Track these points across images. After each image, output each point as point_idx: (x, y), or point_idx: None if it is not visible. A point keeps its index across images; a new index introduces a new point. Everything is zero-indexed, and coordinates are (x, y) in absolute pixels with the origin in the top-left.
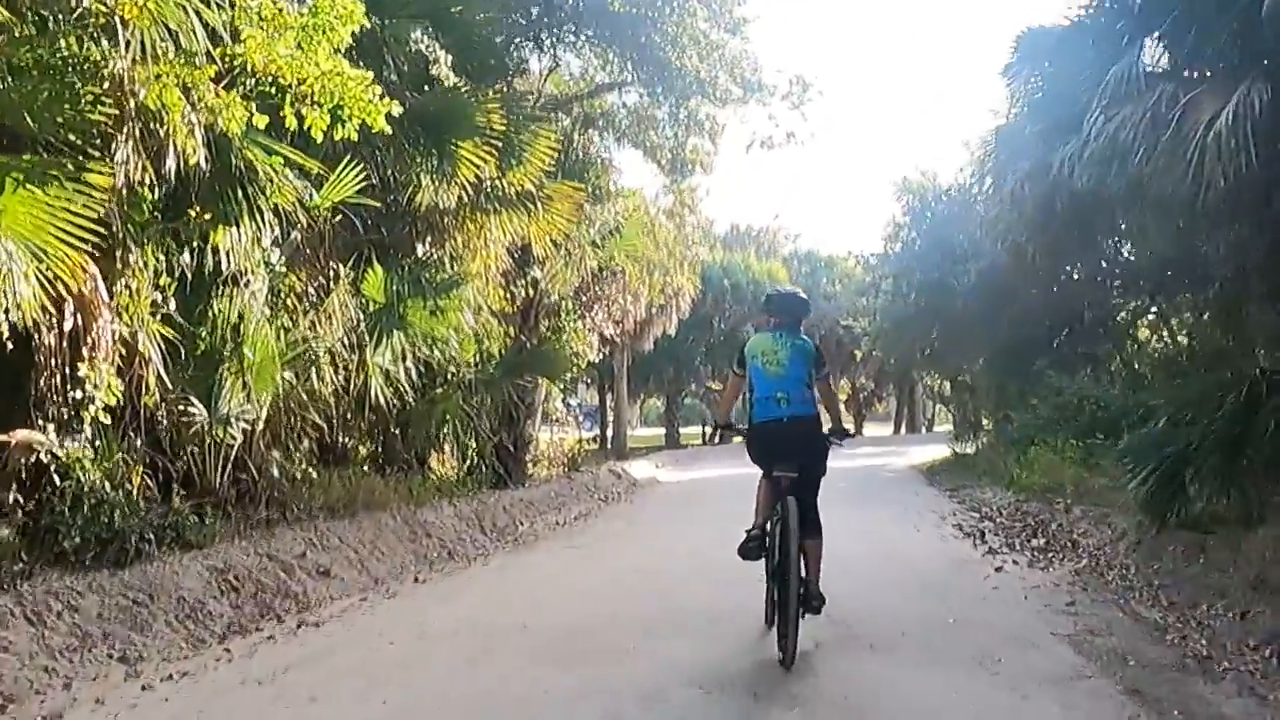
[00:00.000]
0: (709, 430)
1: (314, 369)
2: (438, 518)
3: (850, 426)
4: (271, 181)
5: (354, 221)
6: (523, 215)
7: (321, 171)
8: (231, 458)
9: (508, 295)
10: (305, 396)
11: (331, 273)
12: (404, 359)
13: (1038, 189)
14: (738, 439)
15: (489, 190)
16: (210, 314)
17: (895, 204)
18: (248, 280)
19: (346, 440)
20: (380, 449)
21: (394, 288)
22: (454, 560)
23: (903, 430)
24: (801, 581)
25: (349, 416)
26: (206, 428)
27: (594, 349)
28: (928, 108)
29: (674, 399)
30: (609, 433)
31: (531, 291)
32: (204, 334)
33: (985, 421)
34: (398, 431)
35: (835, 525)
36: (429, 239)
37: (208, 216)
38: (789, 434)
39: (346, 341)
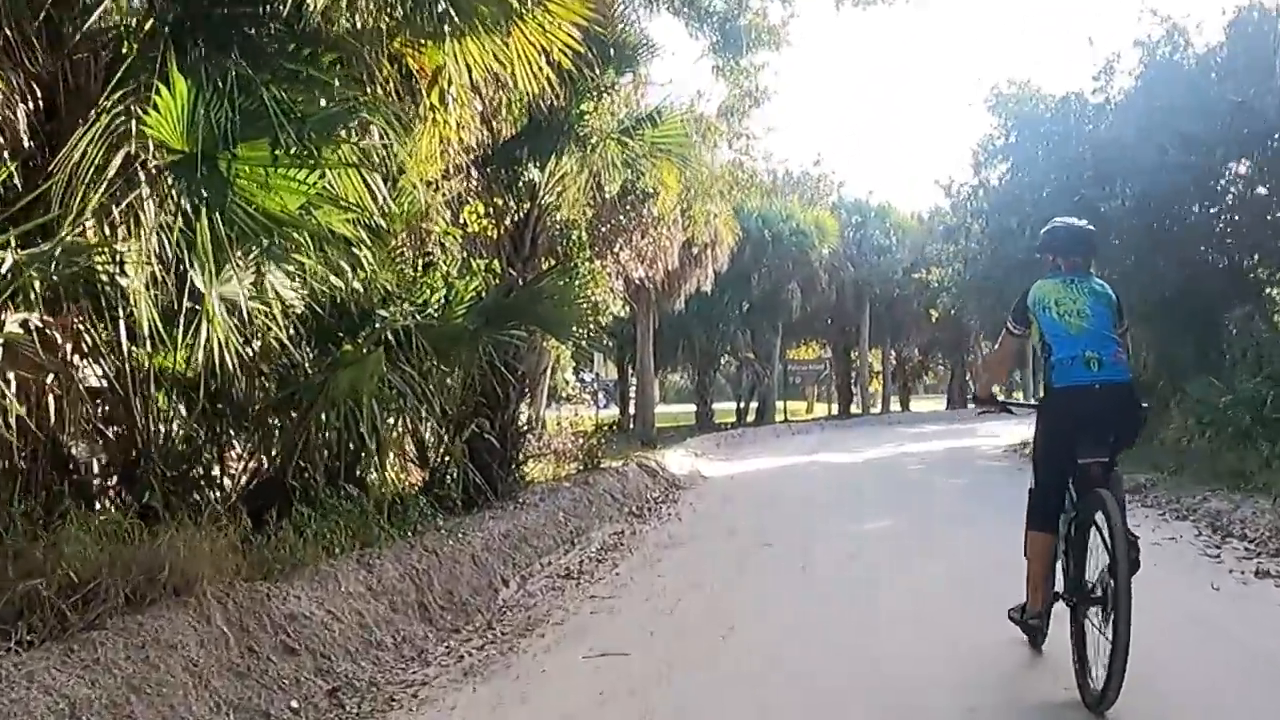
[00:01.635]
0: (816, 407)
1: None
2: (320, 600)
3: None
4: None
5: None
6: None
7: None
8: None
9: (490, 210)
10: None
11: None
12: (263, 285)
13: None
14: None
15: None
16: None
17: (990, 121)
18: None
19: (155, 447)
20: (260, 460)
21: (213, 119)
22: None
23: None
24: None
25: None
26: None
27: (617, 298)
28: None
29: (706, 371)
30: (631, 411)
31: (527, 205)
32: None
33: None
34: (278, 426)
35: None
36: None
37: None
38: (1103, 405)
39: (145, 255)
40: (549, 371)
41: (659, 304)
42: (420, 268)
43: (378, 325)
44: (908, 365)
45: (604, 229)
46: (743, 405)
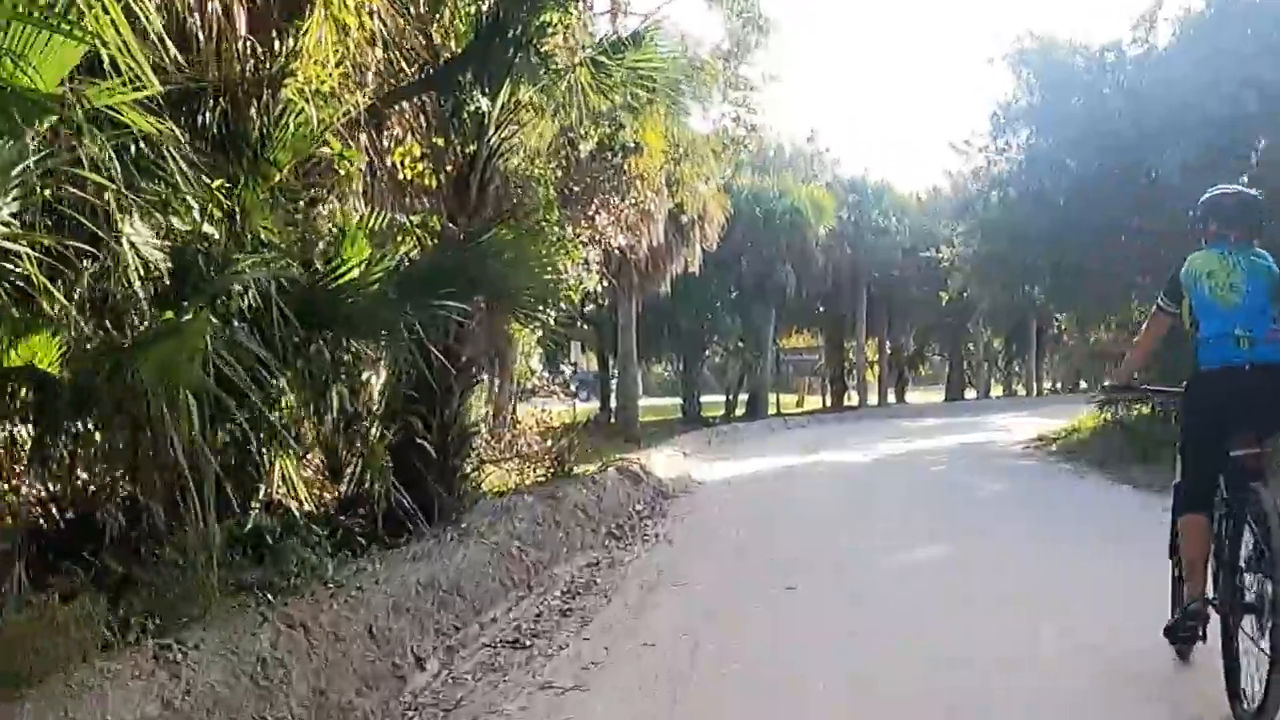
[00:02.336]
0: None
1: None
2: None
3: None
4: None
5: None
6: None
7: None
8: None
9: (427, 152)
10: None
11: None
12: None
13: None
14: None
15: None
16: None
17: (1010, 81)
18: None
19: None
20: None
21: None
22: None
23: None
24: None
25: None
26: None
27: (594, 273)
28: None
29: (693, 360)
30: (613, 404)
31: (474, 145)
32: None
33: None
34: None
35: None
36: None
37: None
38: (1256, 387)
39: None
40: (510, 357)
41: (643, 286)
42: (305, 206)
43: (219, 284)
44: (903, 355)
45: (577, 188)
46: (732, 398)
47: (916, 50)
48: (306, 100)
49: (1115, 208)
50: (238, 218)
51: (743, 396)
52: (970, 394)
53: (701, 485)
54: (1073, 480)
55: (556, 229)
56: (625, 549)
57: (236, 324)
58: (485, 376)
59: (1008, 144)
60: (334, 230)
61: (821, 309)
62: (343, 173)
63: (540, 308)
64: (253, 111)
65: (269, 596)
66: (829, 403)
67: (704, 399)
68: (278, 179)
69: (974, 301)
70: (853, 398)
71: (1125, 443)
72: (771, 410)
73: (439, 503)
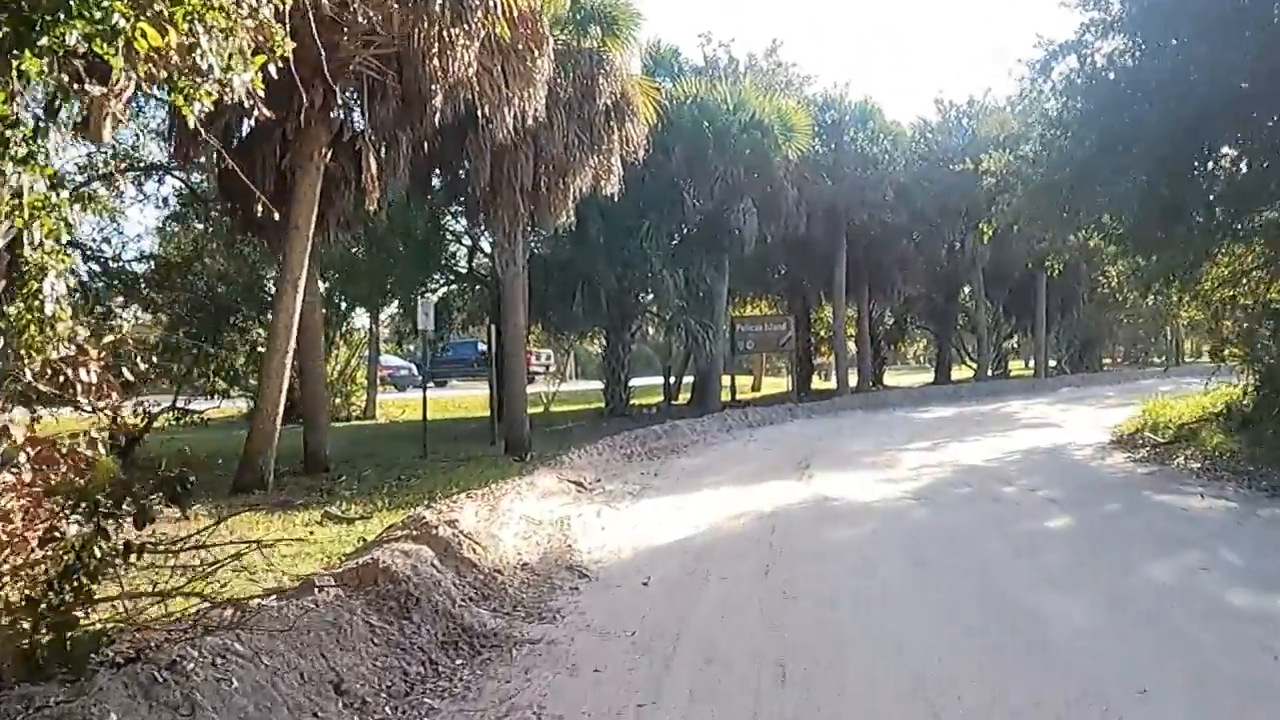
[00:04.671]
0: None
1: None
2: None
3: None
4: None
5: None
6: None
7: None
8: None
9: None
10: None
11: None
12: None
13: None
14: None
15: None
16: None
17: None
18: None
19: None
20: None
21: None
22: None
23: (953, 376)
24: None
25: None
26: None
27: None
28: None
29: (618, 333)
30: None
31: None
32: None
33: None
34: None
35: None
36: None
37: None
38: None
39: None
40: None
41: (533, 211)
42: None
43: None
44: (881, 329)
45: None
46: (673, 382)
47: None
48: None
49: None
50: None
51: (689, 380)
52: (958, 375)
53: (588, 583)
54: None
55: None
56: None
57: None
58: None
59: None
60: None
61: (785, 270)
62: None
63: None
64: None
65: None
66: (796, 386)
67: (640, 382)
68: None
69: (1026, 240)
70: (827, 380)
71: None
72: (727, 396)
73: None
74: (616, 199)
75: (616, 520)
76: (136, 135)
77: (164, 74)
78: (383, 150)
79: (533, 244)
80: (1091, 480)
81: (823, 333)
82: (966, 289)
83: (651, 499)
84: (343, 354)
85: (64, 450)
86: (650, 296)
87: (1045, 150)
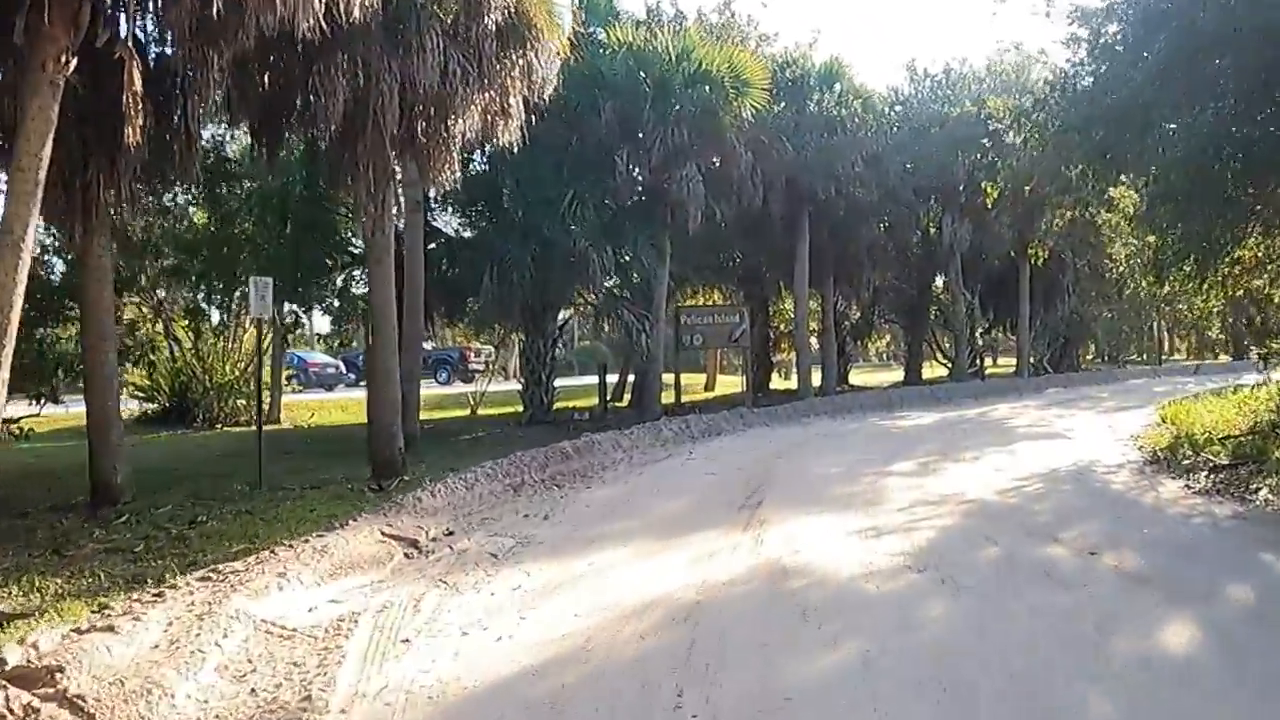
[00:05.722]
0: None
1: None
2: None
3: None
4: None
5: None
6: None
7: None
8: None
9: None
10: None
11: None
12: None
13: None
14: None
15: None
16: None
17: None
18: None
19: None
20: None
21: None
22: None
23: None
24: None
25: None
26: None
27: None
28: None
29: (537, 324)
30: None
31: None
32: None
33: None
34: None
35: None
36: None
37: None
38: None
39: None
40: None
41: (415, 173)
42: None
43: None
44: (846, 324)
45: None
46: (607, 381)
47: None
48: None
49: None
50: None
51: (628, 379)
52: (929, 374)
53: None
54: None
55: None
56: None
57: None
58: None
59: None
60: None
61: (740, 256)
62: None
63: None
64: None
65: None
66: (751, 387)
67: (566, 382)
68: None
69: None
70: (788, 379)
71: None
72: (669, 397)
73: None
74: (537, 168)
75: (439, 622)
76: None
77: None
78: (187, 74)
79: (434, 218)
80: (1165, 532)
81: (782, 327)
82: (940, 279)
83: (519, 568)
84: (245, 349)
85: None
86: (575, 281)
87: (1091, 73)
